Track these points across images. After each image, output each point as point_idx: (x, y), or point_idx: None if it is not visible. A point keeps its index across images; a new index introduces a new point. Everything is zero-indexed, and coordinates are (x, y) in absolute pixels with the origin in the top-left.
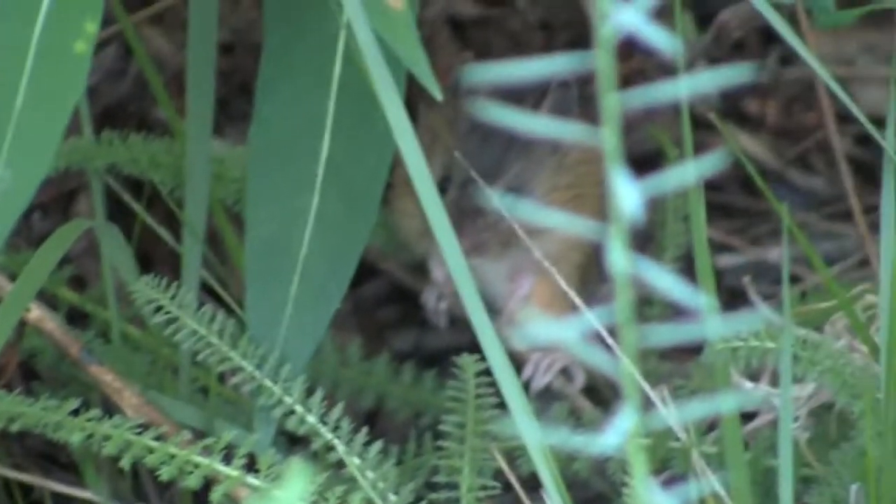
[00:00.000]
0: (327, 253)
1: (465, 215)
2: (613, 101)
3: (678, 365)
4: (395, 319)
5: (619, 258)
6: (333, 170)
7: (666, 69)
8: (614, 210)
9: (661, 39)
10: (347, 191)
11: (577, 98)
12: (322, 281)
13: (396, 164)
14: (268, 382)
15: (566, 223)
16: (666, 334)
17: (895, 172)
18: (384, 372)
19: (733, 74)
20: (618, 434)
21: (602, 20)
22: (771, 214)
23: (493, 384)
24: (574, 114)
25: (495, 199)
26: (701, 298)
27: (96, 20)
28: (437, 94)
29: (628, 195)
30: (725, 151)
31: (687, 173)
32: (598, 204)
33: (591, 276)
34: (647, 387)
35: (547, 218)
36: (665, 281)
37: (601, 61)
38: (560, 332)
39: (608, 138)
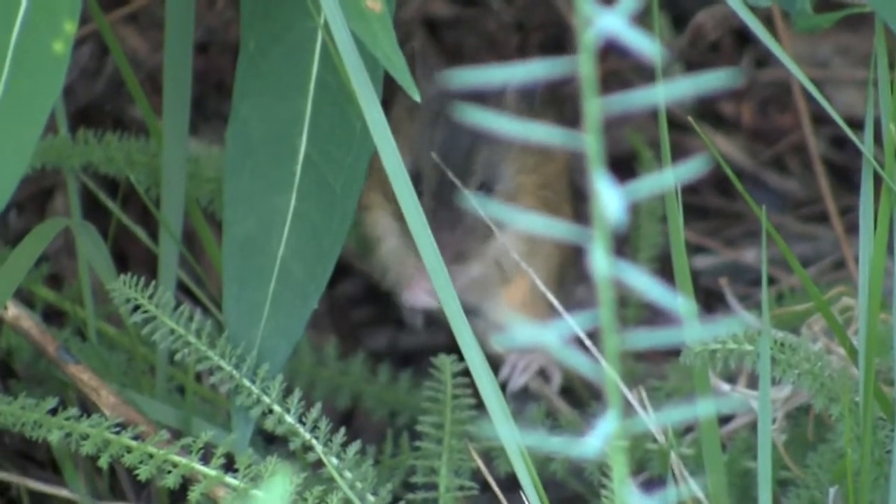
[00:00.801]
0: (305, 253)
1: (444, 225)
2: (596, 107)
3: (654, 366)
4: (370, 319)
5: (602, 262)
6: (311, 169)
7: (641, 70)
8: (597, 213)
9: (642, 43)
10: (325, 190)
11: (542, 91)
12: (300, 280)
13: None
14: (246, 382)
15: (543, 226)
16: (645, 337)
17: (873, 174)
18: (360, 371)
19: (711, 80)
20: (599, 437)
21: (584, 25)
22: (745, 216)
23: (470, 385)
24: (537, 103)
25: (471, 200)
26: (679, 301)
27: (74, 20)
28: (416, 96)
29: (611, 199)
30: (704, 156)
31: (666, 177)
32: (566, 187)
33: (568, 275)
34: (624, 389)
35: (523, 220)
36: (644, 283)
37: (584, 67)
38: (540, 334)
39: (590, 143)
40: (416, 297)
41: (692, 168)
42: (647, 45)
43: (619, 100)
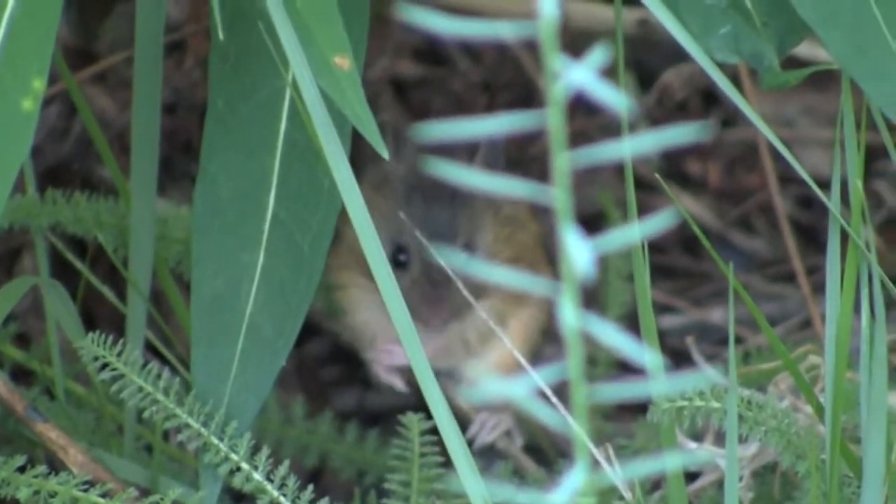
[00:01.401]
0: (273, 310)
1: (437, 286)
2: (564, 160)
3: (622, 424)
4: (338, 378)
5: (570, 316)
6: (279, 227)
7: (608, 130)
8: (565, 268)
9: (611, 97)
10: (293, 248)
11: (504, 155)
12: (268, 338)
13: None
14: (214, 440)
15: (523, 282)
16: (612, 392)
17: (839, 233)
18: (328, 430)
19: (677, 135)
20: (567, 491)
21: (553, 79)
22: (712, 275)
23: (437, 443)
24: (501, 170)
25: (460, 261)
26: (648, 357)
27: (43, 77)
28: (384, 153)
29: (580, 253)
30: (670, 213)
31: (632, 234)
32: (541, 256)
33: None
34: (591, 446)
35: (502, 276)
36: (614, 338)
37: (552, 120)
38: (509, 390)
39: (559, 197)
40: (385, 373)
41: (658, 223)
42: (615, 99)
43: (587, 154)
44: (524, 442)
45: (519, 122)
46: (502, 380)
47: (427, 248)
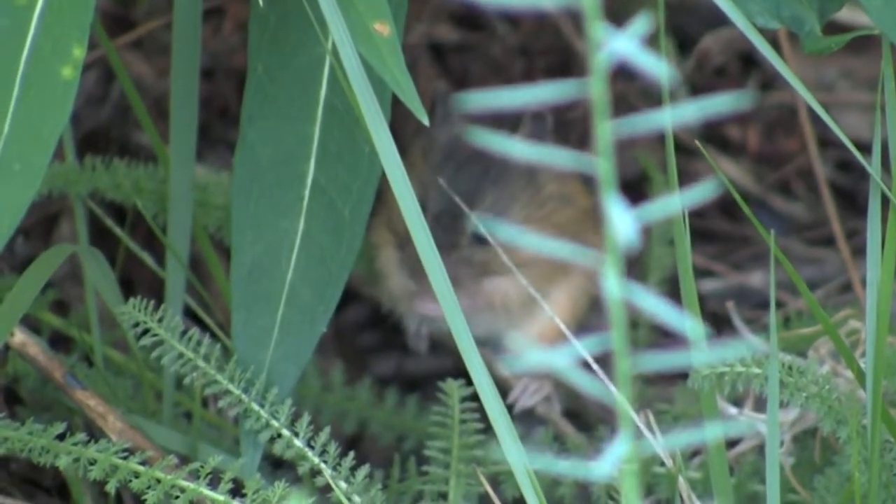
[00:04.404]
0: (314, 277)
1: (440, 248)
2: (607, 129)
3: (662, 390)
4: (376, 344)
5: (614, 284)
6: (319, 194)
7: (647, 94)
8: (609, 236)
9: (653, 65)
10: (333, 215)
11: (552, 127)
12: (308, 304)
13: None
14: (255, 406)
15: (552, 248)
16: (653, 360)
17: (880, 197)
18: (367, 396)
19: (717, 104)
20: (610, 460)
21: (596, 48)
22: (751, 239)
23: (477, 409)
24: (548, 144)
25: (478, 225)
26: (689, 324)
27: (83, 45)
28: (424, 119)
29: (623, 221)
30: (711, 180)
31: (674, 201)
32: (593, 231)
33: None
34: (632, 412)
35: (532, 242)
36: (654, 306)
37: (595, 89)
38: (550, 357)
39: (602, 165)
40: (426, 308)
41: (700, 193)
42: (657, 68)
43: (627, 123)
44: (564, 407)
45: (560, 89)
46: (544, 349)
47: (444, 217)
